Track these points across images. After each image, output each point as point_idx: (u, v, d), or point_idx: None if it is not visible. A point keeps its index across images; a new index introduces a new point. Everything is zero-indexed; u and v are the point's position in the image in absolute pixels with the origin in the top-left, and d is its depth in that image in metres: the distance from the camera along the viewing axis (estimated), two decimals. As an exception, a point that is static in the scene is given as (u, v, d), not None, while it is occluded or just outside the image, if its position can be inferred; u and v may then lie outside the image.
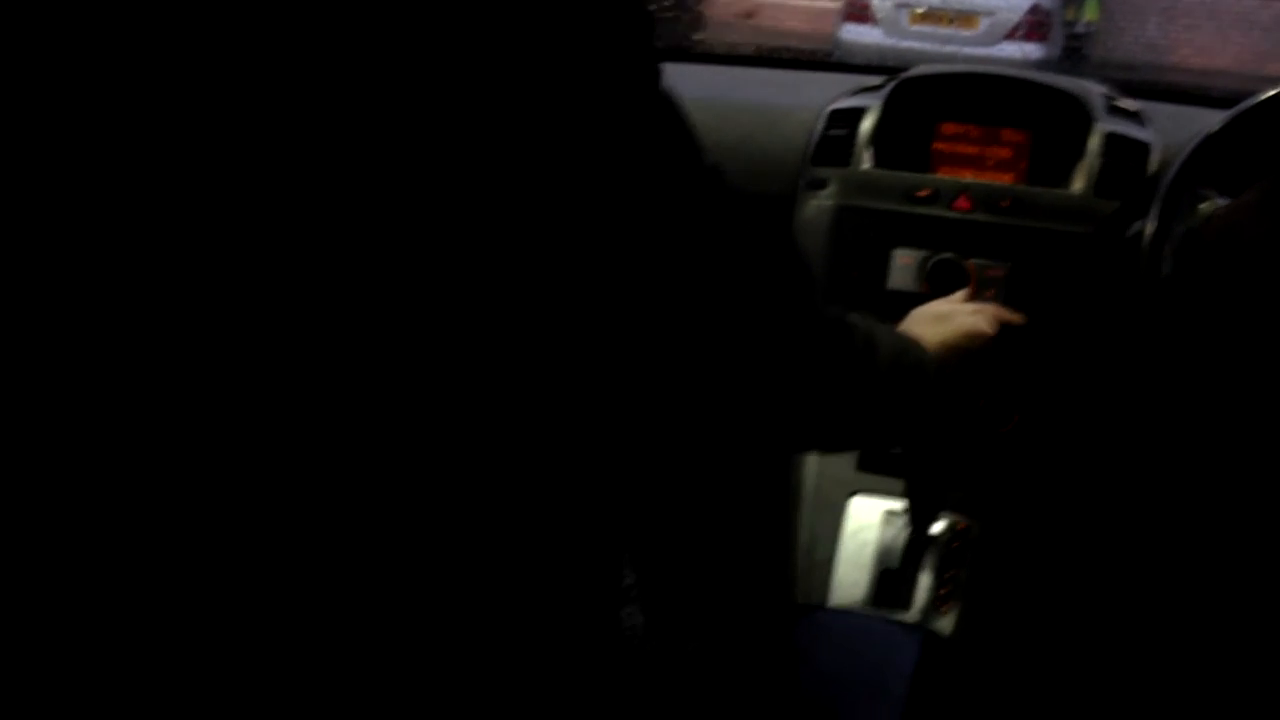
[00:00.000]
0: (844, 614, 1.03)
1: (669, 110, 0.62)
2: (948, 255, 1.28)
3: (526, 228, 0.57)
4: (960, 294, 1.16)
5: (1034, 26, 7.64)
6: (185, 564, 0.56)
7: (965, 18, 7.67)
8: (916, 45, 7.54)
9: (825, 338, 0.76)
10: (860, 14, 8.03)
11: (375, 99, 0.53)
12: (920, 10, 7.73)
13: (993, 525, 1.24)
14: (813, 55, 1.81)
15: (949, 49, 7.44)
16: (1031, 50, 7.52)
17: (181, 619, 0.57)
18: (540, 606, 0.64)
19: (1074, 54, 8.74)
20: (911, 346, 0.91)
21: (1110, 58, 9.50)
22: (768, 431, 0.78)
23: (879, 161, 1.34)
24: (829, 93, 1.46)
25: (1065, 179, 1.28)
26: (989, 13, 7.61)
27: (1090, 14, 10.11)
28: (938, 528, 1.24)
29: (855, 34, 8.05)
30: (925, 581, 1.21)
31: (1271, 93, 1.06)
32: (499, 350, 0.58)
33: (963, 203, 1.29)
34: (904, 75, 1.39)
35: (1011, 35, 7.60)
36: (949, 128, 1.35)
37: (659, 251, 0.62)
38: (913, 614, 1.19)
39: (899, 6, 7.78)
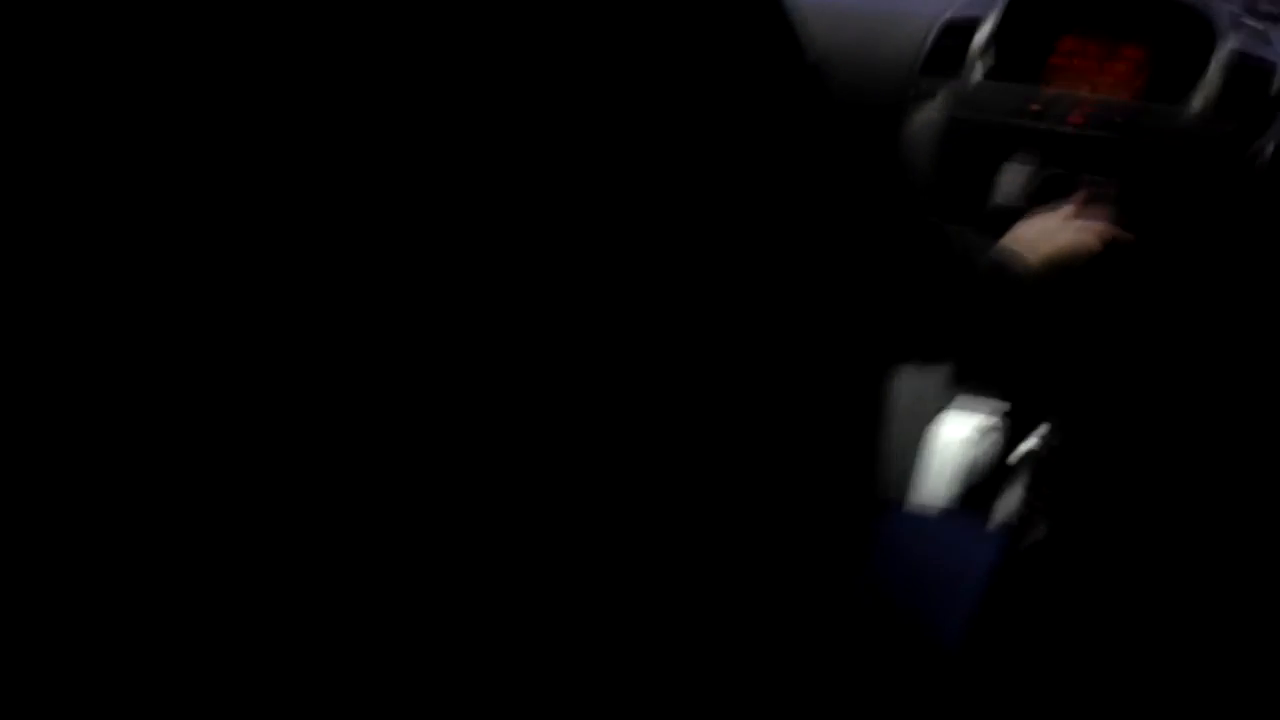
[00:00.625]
0: (927, 512, 1.03)
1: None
2: (1057, 170, 1.25)
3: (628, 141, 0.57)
4: (1066, 209, 1.14)
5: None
6: (185, 564, 0.56)
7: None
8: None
9: (924, 246, 0.75)
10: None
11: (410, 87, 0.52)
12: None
13: (1084, 445, 1.23)
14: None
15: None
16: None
17: (182, 619, 0.56)
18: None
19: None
20: (1011, 261, 0.91)
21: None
22: (864, 339, 0.78)
23: (992, 73, 1.32)
24: (944, 2, 1.42)
25: (1185, 96, 1.24)
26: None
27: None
28: (1029, 444, 1.24)
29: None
30: (1013, 497, 1.21)
31: None
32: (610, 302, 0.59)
33: (1076, 118, 1.26)
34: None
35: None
36: (1067, 42, 1.32)
37: (759, 158, 0.62)
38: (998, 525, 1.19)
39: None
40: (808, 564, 0.76)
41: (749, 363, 0.70)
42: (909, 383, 1.33)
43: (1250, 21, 1.33)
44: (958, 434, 1.27)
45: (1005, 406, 1.21)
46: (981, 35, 1.33)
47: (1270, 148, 1.08)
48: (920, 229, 0.75)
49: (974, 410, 1.29)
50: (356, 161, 0.52)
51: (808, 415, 0.74)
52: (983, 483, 1.23)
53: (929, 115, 1.33)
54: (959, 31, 1.35)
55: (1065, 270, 1.03)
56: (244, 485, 0.55)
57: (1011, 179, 1.28)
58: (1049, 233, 1.04)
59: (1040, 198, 1.25)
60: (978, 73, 1.32)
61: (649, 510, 0.65)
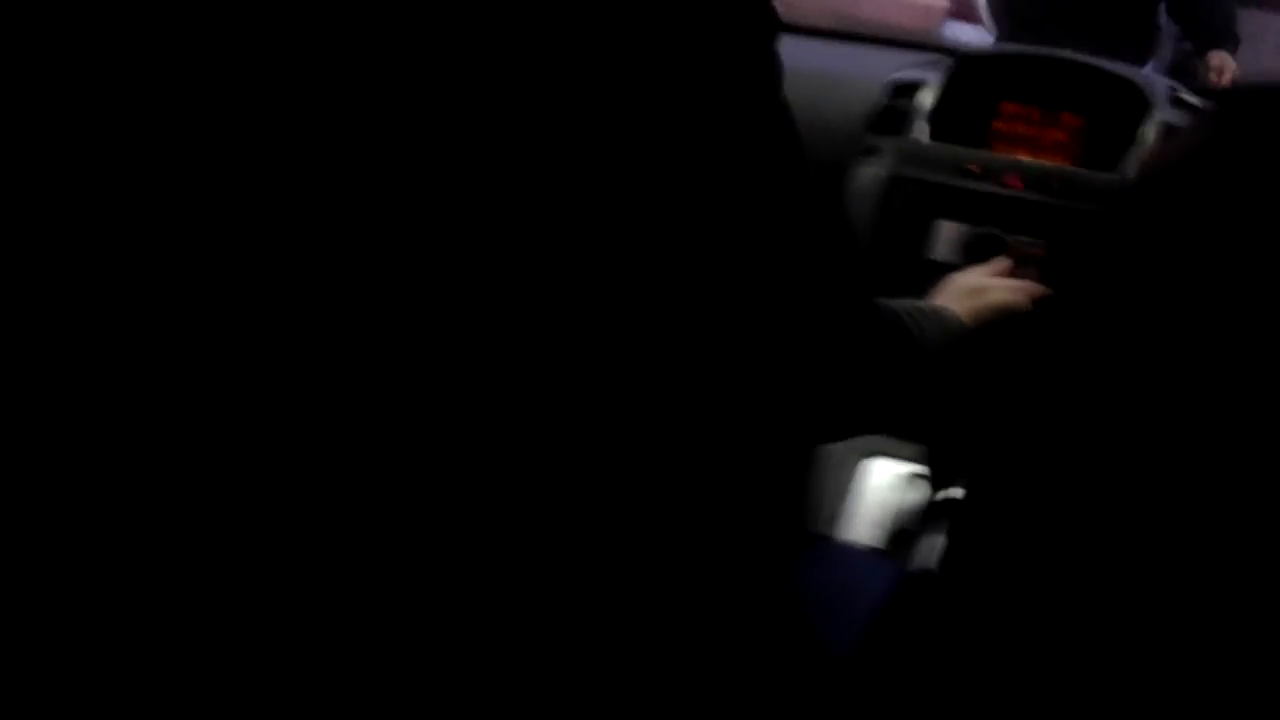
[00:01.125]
0: (836, 544, 1.06)
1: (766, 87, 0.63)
2: (991, 230, 1.29)
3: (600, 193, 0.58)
4: (995, 264, 1.17)
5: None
6: (187, 564, 0.56)
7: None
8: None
9: (885, 333, 0.78)
10: (967, 13, 7.90)
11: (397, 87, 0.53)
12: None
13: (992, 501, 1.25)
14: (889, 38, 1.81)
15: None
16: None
17: (183, 619, 0.56)
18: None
19: (1180, 75, 8.50)
20: (953, 329, 0.93)
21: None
22: (817, 421, 0.80)
23: (935, 134, 1.36)
24: (891, 66, 1.47)
25: (1118, 164, 1.29)
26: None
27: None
28: (956, 493, 1.26)
29: (959, 32, 7.92)
30: (934, 542, 1.23)
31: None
32: (547, 330, 0.59)
33: (1014, 181, 1.30)
34: (968, 52, 1.40)
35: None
36: (1010, 107, 1.36)
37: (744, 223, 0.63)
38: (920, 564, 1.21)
39: (1006, 8, 7.62)
40: (737, 581, 0.77)
41: (692, 393, 0.72)
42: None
43: (1186, 95, 1.38)
44: (884, 479, 1.30)
45: (930, 454, 1.23)
46: (927, 96, 1.37)
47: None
48: (879, 314, 0.77)
49: (901, 455, 1.31)
50: (345, 159, 0.53)
51: (744, 458, 0.75)
52: (908, 530, 1.25)
53: (874, 171, 1.37)
54: (906, 92, 1.40)
55: (991, 326, 1.05)
56: (243, 484, 0.56)
57: (948, 236, 1.32)
58: (977, 291, 1.07)
59: (974, 255, 1.29)
60: (922, 133, 1.36)
61: (593, 517, 0.66)
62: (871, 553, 0.93)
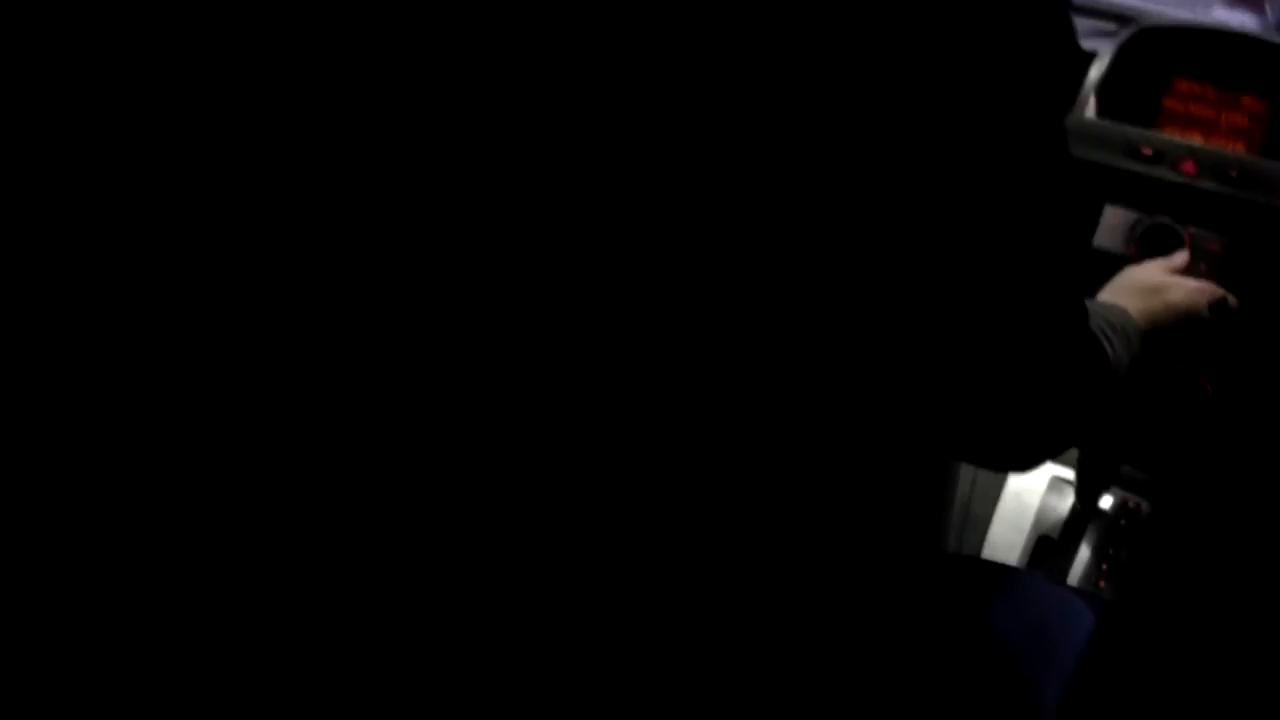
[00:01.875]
0: (1025, 574, 1.00)
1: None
2: (1163, 219, 1.20)
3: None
4: (1177, 260, 1.09)
5: (1252, -5, 7.19)
6: (191, 562, 0.56)
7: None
8: None
9: (1095, 356, 0.71)
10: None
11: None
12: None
13: (1169, 508, 1.18)
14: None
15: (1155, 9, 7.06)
16: (1245, 20, 7.09)
17: (187, 617, 0.56)
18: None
19: (1289, 30, 8.21)
20: (1134, 337, 0.86)
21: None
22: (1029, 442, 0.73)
23: (1103, 111, 1.27)
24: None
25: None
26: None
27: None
28: (1106, 502, 1.19)
29: (1227, 18, 7.67)
30: (1084, 554, 1.17)
31: None
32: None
33: (1188, 166, 1.21)
34: (1142, 24, 1.30)
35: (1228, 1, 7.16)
36: (1184, 84, 1.26)
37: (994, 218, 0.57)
38: (1071, 583, 1.15)
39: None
40: (868, 609, 0.73)
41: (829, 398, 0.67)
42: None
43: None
44: (1033, 482, 1.23)
45: (1085, 459, 1.16)
46: (1095, 70, 1.28)
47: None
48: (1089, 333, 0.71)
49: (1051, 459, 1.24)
50: (360, 162, 0.51)
51: (885, 465, 0.70)
52: (1059, 538, 1.19)
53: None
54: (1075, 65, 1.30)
55: (1169, 330, 0.98)
56: (246, 484, 0.55)
57: (1115, 223, 1.23)
58: (1156, 290, 0.99)
59: (1143, 245, 1.21)
60: (1090, 109, 1.27)
61: (696, 539, 0.62)
62: (1065, 589, 0.87)
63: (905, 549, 0.80)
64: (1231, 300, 1.06)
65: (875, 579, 0.72)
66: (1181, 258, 1.10)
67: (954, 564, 0.84)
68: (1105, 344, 0.79)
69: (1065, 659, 0.72)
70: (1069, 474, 1.22)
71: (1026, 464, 0.78)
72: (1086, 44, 1.32)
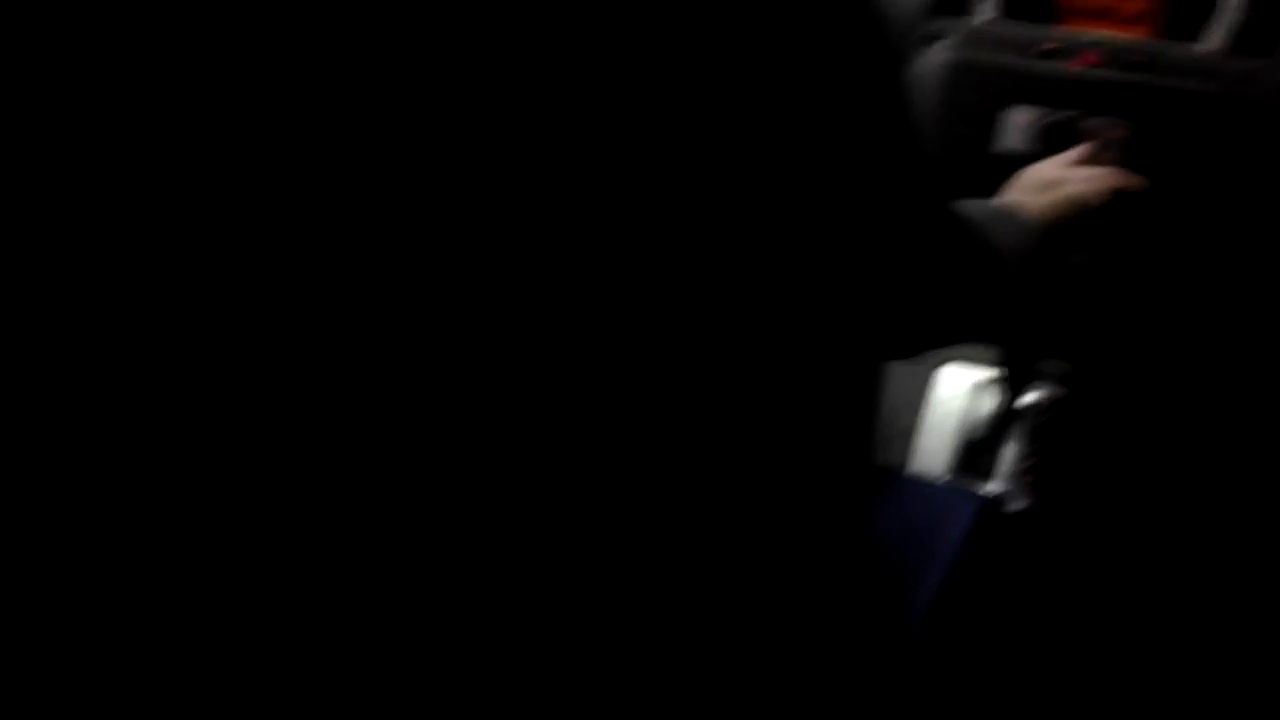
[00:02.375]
0: (907, 479, 1.01)
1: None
2: (1064, 114, 1.20)
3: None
4: (1072, 154, 1.09)
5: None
6: (187, 564, 0.56)
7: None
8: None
9: (958, 242, 0.73)
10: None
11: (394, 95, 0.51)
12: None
13: (1080, 399, 1.18)
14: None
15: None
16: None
17: (183, 619, 0.57)
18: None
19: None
20: (1031, 230, 0.88)
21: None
22: (890, 337, 0.77)
23: (1002, 10, 1.26)
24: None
25: (1202, 34, 1.18)
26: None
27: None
28: (1029, 398, 1.20)
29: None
30: (1010, 453, 1.18)
31: None
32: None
33: (1090, 58, 1.20)
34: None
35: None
36: (1082, -24, 1.26)
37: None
38: (995, 485, 1.16)
39: None
40: (806, 534, 0.75)
41: (748, 336, 0.68)
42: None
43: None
44: (956, 389, 1.24)
45: (1004, 358, 1.17)
46: (992, -29, 1.27)
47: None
48: (948, 224, 0.72)
49: (972, 362, 1.25)
50: (352, 160, 0.51)
51: (806, 388, 0.72)
52: (983, 439, 1.19)
53: (935, 57, 1.28)
54: (970, -32, 1.30)
55: (1070, 221, 0.98)
56: (245, 484, 0.55)
57: (1020, 123, 1.23)
58: (1052, 184, 1.00)
59: (1048, 143, 1.20)
60: (988, 10, 1.26)
61: (644, 491, 0.64)
62: (944, 485, 0.89)
63: (831, 465, 0.82)
64: (1134, 182, 1.06)
65: (789, 495, 0.74)
66: (1077, 151, 1.10)
67: (849, 473, 0.85)
68: (985, 229, 0.79)
69: (942, 552, 0.74)
70: (991, 375, 1.22)
71: (913, 349, 0.81)
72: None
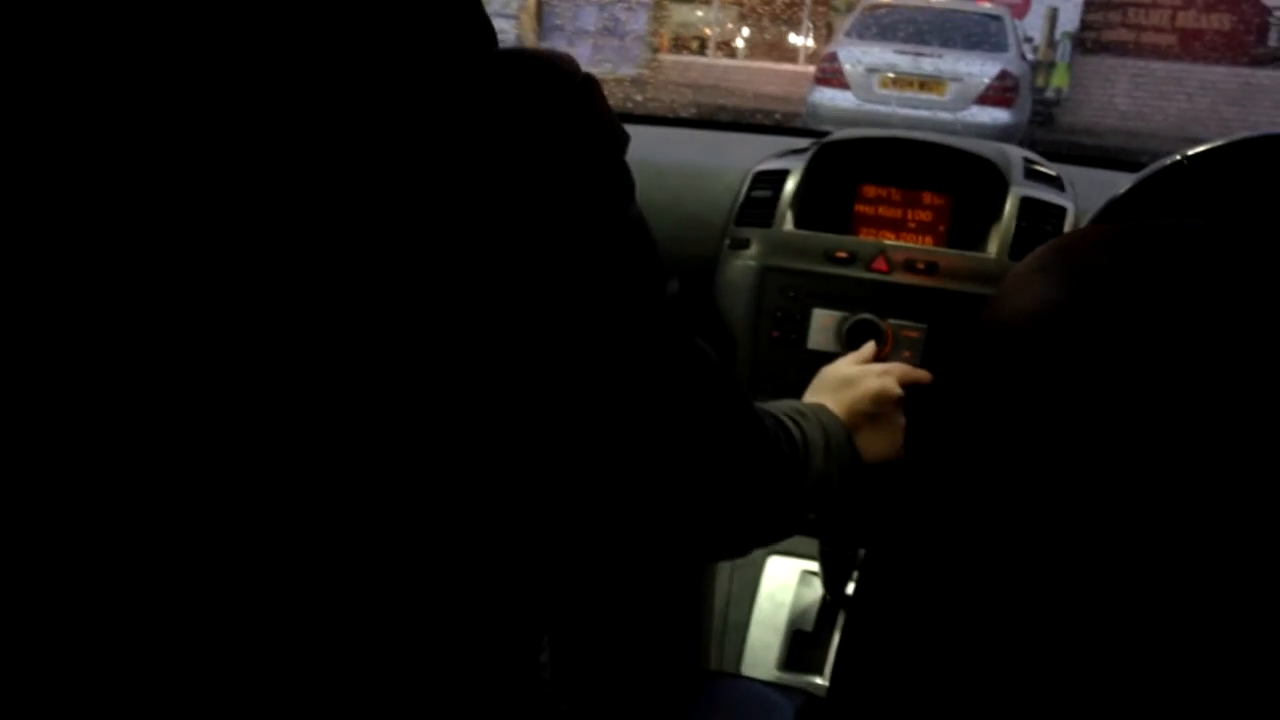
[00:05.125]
0: (729, 679, 1.02)
1: (635, 244, 0.62)
2: (865, 316, 1.28)
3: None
4: (866, 350, 1.16)
5: (1002, 92, 7.76)
6: (179, 566, 0.56)
7: (934, 84, 7.79)
8: (885, 109, 7.66)
9: (768, 451, 0.75)
10: (832, 79, 8.16)
11: (371, 105, 0.52)
12: (890, 76, 7.85)
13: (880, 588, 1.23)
14: (754, 118, 1.83)
15: (920, 114, 7.57)
16: (1000, 116, 7.65)
17: (177, 620, 0.56)
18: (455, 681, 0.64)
19: (1043, 120, 8.88)
20: (833, 428, 0.92)
21: (1079, 124, 9.66)
22: (711, 538, 0.77)
23: (800, 222, 1.36)
24: (760, 154, 1.47)
25: (982, 242, 1.30)
26: (957, 79, 7.74)
27: (1059, 81, 10.29)
28: (851, 589, 1.24)
29: (827, 98, 8.17)
30: (835, 644, 1.21)
31: (1174, 158, 1.07)
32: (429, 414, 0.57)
33: (881, 264, 1.30)
34: (826, 139, 1.40)
35: (980, 101, 7.72)
36: (870, 190, 1.37)
37: (598, 363, 0.61)
38: (825, 676, 1.18)
39: (869, 71, 7.90)
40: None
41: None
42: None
43: (1044, 167, 1.40)
44: (784, 580, 1.27)
45: (825, 551, 1.21)
46: (790, 185, 1.37)
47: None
48: (757, 435, 0.75)
49: (799, 555, 1.28)
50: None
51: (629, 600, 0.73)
52: (811, 631, 1.22)
53: (745, 263, 1.36)
54: (769, 182, 1.39)
55: (869, 417, 1.04)
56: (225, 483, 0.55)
57: (823, 324, 1.31)
58: (849, 381, 1.05)
59: (853, 341, 1.28)
60: (788, 222, 1.35)
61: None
62: (769, 686, 0.90)
63: (661, 668, 0.82)
64: (923, 375, 1.14)
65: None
66: (869, 349, 1.17)
67: (671, 676, 0.86)
68: (790, 428, 0.83)
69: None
70: (816, 567, 1.26)
71: (733, 551, 0.82)
72: (780, 163, 1.42)
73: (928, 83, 7.78)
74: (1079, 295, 0.61)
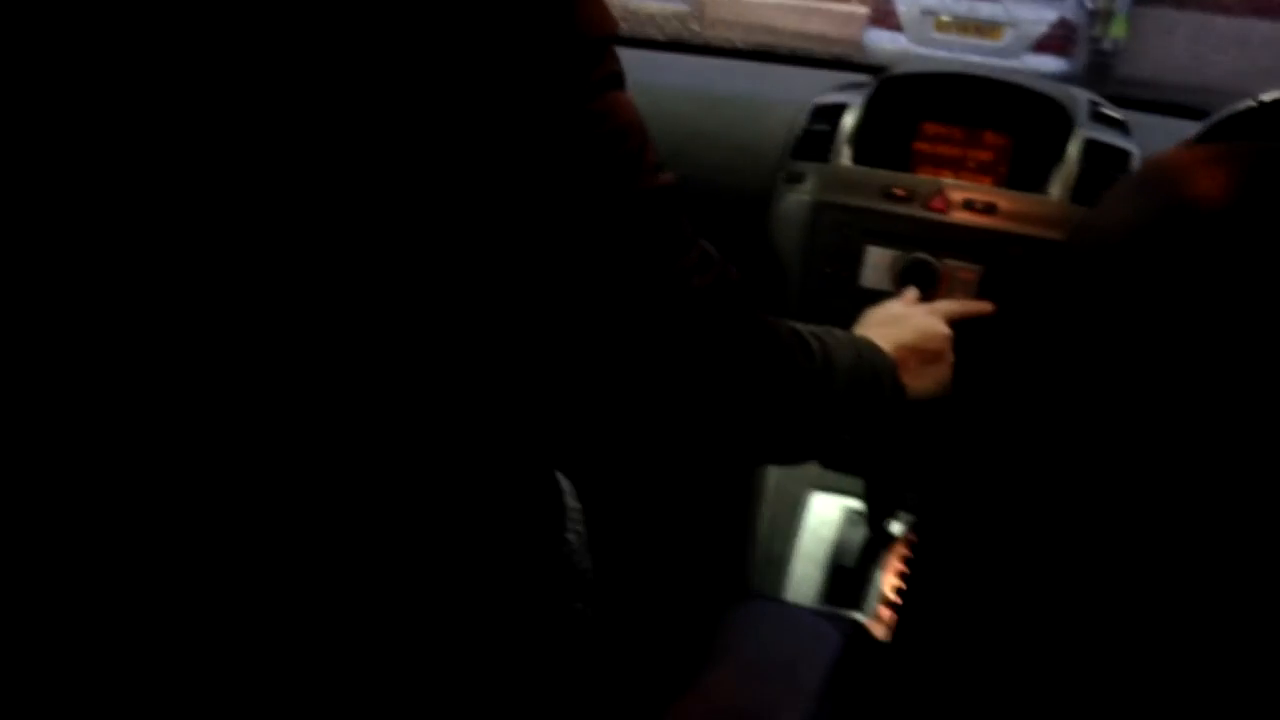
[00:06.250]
0: (775, 603, 1.03)
1: (612, 132, 0.61)
2: (920, 255, 1.27)
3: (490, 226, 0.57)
4: (911, 294, 1.15)
5: (1059, 40, 7.60)
6: (180, 562, 0.56)
7: (990, 28, 7.64)
8: (940, 54, 7.53)
9: (778, 357, 0.74)
10: (886, 20, 8.03)
11: (370, 100, 0.52)
12: (945, 19, 7.71)
13: (932, 529, 1.23)
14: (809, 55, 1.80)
15: (973, 59, 7.44)
16: (1055, 64, 7.50)
17: (176, 617, 0.57)
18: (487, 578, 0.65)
19: (1099, 70, 8.70)
20: (869, 353, 0.90)
21: (1136, 76, 9.45)
22: (723, 447, 0.76)
23: (858, 158, 1.34)
24: (816, 88, 1.45)
25: (1044, 184, 1.27)
26: (1014, 24, 7.58)
27: (1117, 31, 10.05)
28: (896, 528, 1.24)
29: (880, 40, 8.04)
30: (879, 581, 1.21)
31: (1246, 103, 1.04)
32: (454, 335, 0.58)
33: (939, 203, 1.28)
34: (889, 73, 1.38)
35: (1037, 48, 7.57)
36: (931, 128, 1.34)
37: (594, 272, 0.61)
38: (866, 613, 1.19)
39: (925, 14, 7.76)
40: (666, 656, 0.75)
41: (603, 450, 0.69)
42: (779, 466, 1.33)
43: (1109, 110, 1.37)
44: (827, 517, 1.27)
45: (870, 489, 1.20)
46: (849, 120, 1.35)
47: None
48: (773, 336, 0.74)
49: (843, 492, 1.28)
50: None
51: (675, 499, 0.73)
52: (853, 568, 1.22)
53: (799, 198, 1.34)
54: (828, 116, 1.37)
55: (919, 354, 1.03)
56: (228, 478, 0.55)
57: (878, 262, 1.29)
58: (897, 319, 1.04)
59: (905, 281, 1.27)
60: (845, 157, 1.34)
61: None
62: (817, 612, 0.90)
63: (700, 585, 0.82)
64: (981, 307, 1.12)
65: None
66: (913, 293, 1.16)
67: (715, 593, 0.86)
68: (811, 341, 0.81)
69: (809, 679, 0.75)
70: (859, 505, 1.26)
71: (757, 455, 0.81)
72: (839, 97, 1.40)
73: (983, 27, 7.63)
74: (1185, 206, 0.59)
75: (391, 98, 0.53)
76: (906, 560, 1.21)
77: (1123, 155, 1.27)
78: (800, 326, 0.84)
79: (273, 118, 0.52)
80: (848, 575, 1.22)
